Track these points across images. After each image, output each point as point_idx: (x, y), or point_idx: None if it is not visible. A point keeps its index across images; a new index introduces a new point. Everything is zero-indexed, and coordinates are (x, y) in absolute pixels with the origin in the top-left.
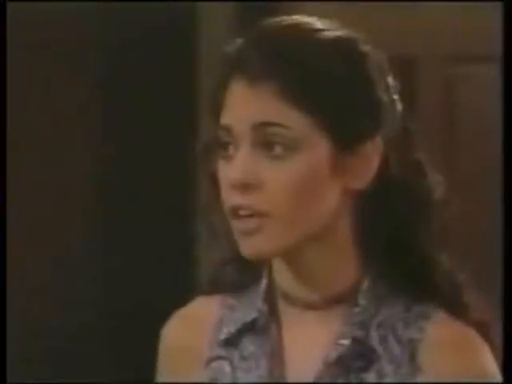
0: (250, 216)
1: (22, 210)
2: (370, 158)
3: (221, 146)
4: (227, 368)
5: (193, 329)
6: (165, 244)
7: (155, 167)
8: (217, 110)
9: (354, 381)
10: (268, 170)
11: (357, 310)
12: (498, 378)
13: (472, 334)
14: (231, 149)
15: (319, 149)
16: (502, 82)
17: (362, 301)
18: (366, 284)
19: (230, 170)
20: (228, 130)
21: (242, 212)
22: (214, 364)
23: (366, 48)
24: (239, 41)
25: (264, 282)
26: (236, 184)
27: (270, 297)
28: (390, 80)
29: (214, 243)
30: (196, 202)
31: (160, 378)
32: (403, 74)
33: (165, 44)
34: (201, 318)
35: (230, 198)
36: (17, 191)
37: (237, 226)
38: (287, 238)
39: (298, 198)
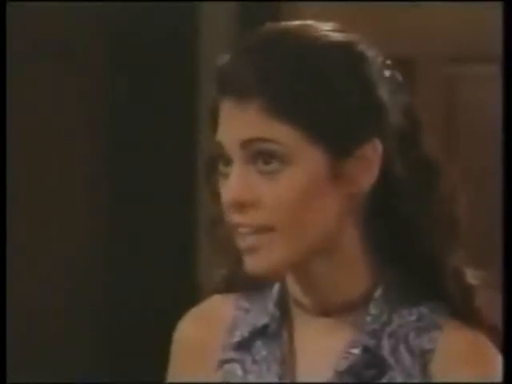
0: (251, 233)
1: (21, 211)
2: (370, 160)
3: (220, 162)
4: (239, 371)
5: (206, 329)
6: (165, 244)
7: (155, 168)
8: (213, 126)
9: None
10: (262, 185)
11: (368, 318)
12: None
13: (485, 344)
14: (230, 165)
15: (314, 159)
16: (502, 82)
17: (373, 310)
18: (378, 292)
19: (225, 189)
20: (221, 147)
21: (241, 230)
22: (227, 366)
23: (360, 49)
24: (228, 55)
25: (276, 287)
26: (231, 203)
27: (283, 301)
28: (391, 76)
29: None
30: (196, 204)
31: (171, 375)
32: (403, 74)
33: (166, 46)
34: (214, 318)
35: (230, 216)
36: (16, 193)
37: (240, 243)
38: (291, 253)
39: (297, 210)
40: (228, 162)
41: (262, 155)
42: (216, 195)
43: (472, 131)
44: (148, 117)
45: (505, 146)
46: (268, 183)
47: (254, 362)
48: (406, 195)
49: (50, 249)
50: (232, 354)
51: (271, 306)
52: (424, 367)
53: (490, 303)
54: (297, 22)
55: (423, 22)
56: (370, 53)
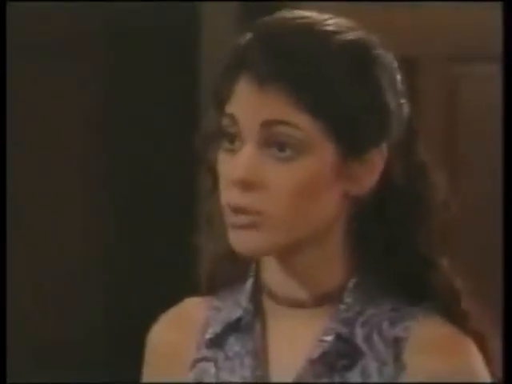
0: (247, 212)
1: (21, 211)
2: (374, 164)
3: (225, 136)
4: (212, 369)
5: (180, 331)
6: (165, 244)
7: (155, 168)
8: (222, 99)
9: (337, 379)
10: (272, 170)
11: (342, 307)
12: (486, 377)
13: (458, 335)
14: (237, 142)
15: (325, 153)
16: (502, 82)
17: (347, 298)
18: (352, 282)
19: (234, 166)
20: (235, 121)
21: (239, 211)
22: (200, 365)
23: (376, 52)
24: (248, 36)
25: (250, 281)
26: (238, 182)
27: (256, 295)
28: (400, 83)
29: (210, 237)
30: (197, 204)
31: (145, 379)
32: (405, 73)
33: (166, 46)
34: (188, 319)
35: (229, 194)
36: (16, 193)
37: (230, 219)
38: (281, 238)
39: (299, 200)
40: (234, 138)
41: (278, 139)
42: (212, 168)
43: (472, 131)
44: (148, 117)
45: (505, 146)
46: (278, 169)
47: (227, 358)
48: (399, 199)
49: (50, 249)
50: (205, 353)
51: (244, 300)
52: (397, 355)
53: (475, 309)
54: (315, 14)
55: (423, 22)
56: (385, 55)
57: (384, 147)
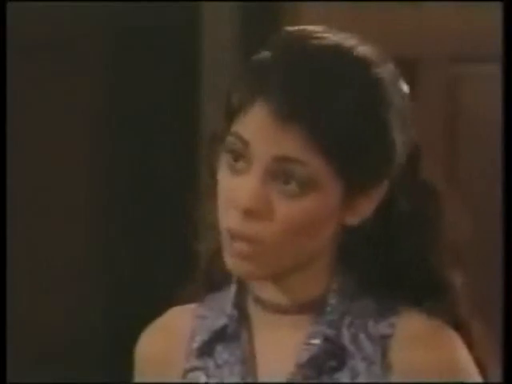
0: (244, 240)
1: (22, 211)
2: (374, 198)
3: (229, 152)
4: (203, 378)
5: (167, 341)
6: (166, 245)
7: (155, 168)
8: (232, 113)
9: (326, 381)
10: (278, 203)
11: (327, 309)
12: (472, 371)
13: (443, 328)
14: (242, 163)
15: (332, 190)
16: (503, 81)
17: (332, 300)
18: (336, 284)
19: (239, 192)
20: (245, 144)
21: (238, 237)
22: (191, 375)
23: (386, 86)
24: (268, 55)
25: (234, 288)
26: (242, 210)
27: (241, 302)
28: (403, 111)
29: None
30: (197, 203)
31: None
32: (405, 75)
33: (166, 46)
34: (175, 329)
35: (230, 219)
36: (16, 193)
37: (228, 247)
38: (275, 267)
39: (299, 234)
40: (239, 156)
41: (287, 174)
42: (212, 172)
43: (472, 131)
44: (148, 117)
45: (505, 146)
46: (283, 202)
47: (217, 366)
48: (403, 223)
49: (50, 249)
50: (195, 363)
51: (229, 307)
52: (384, 353)
53: (479, 334)
54: (337, 37)
55: (424, 23)
56: (395, 86)
57: (386, 183)
